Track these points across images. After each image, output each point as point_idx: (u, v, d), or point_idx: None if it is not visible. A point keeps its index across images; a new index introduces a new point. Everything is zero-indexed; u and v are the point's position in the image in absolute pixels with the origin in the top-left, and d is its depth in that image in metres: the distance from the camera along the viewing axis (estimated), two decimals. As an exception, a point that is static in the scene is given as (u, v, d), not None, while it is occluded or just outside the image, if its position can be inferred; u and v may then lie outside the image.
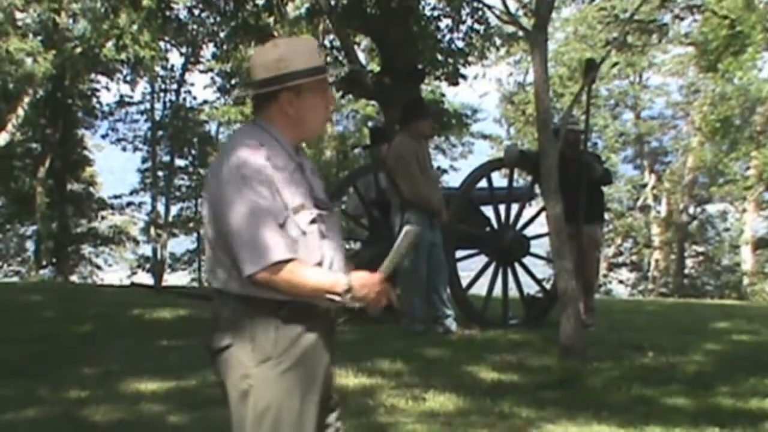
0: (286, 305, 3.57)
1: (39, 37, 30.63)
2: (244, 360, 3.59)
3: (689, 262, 39.72)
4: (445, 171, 36.59)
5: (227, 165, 3.57)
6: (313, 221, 3.61)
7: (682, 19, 23.09)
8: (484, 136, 39.17)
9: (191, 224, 38.39)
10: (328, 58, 20.82)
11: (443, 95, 32.25)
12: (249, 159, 3.53)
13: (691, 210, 39.31)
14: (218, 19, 19.12)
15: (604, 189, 11.84)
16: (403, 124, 10.69)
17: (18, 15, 29.85)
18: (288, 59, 3.65)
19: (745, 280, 34.36)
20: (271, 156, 3.57)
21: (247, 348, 3.58)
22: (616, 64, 34.41)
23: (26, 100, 30.97)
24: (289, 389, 3.59)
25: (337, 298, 3.61)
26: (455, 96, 34.43)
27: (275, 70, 3.64)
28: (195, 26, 22.01)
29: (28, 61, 29.50)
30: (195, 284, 35.56)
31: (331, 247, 3.72)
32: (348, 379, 8.07)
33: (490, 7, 11.72)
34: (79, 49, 31.71)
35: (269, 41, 3.83)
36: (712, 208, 39.80)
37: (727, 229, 39.67)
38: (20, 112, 30.70)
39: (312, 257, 3.61)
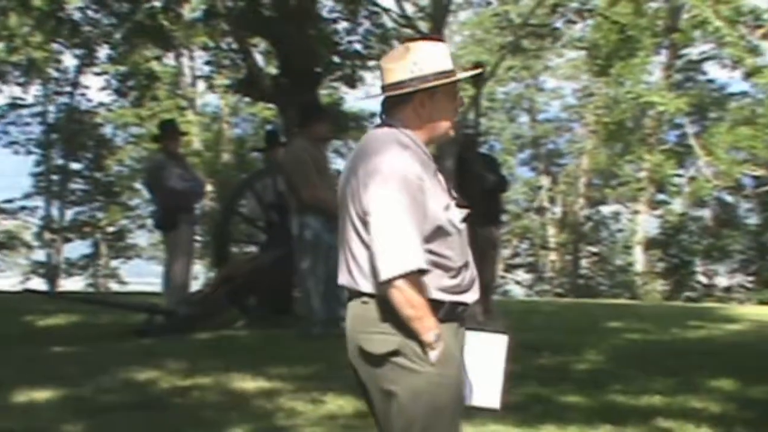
0: (443, 305, 3.70)
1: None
2: (417, 361, 3.63)
3: (584, 263, 40.35)
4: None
5: (380, 168, 3.62)
6: (463, 219, 3.72)
7: (574, 23, 23.38)
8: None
9: (87, 229, 37.86)
10: (225, 61, 20.74)
11: (341, 98, 32.28)
12: (401, 162, 3.62)
13: (585, 211, 39.92)
14: (113, 20, 18.90)
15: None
16: (300, 127, 10.65)
17: None
18: (422, 61, 3.74)
19: (638, 280, 34.98)
20: (415, 158, 3.66)
21: (417, 350, 3.63)
22: (511, 68, 34.79)
23: None
24: (450, 386, 3.71)
25: (422, 339, 3.63)
26: (357, 100, 34.51)
27: (410, 73, 3.72)
28: (89, 28, 21.69)
29: None
30: (91, 289, 35.10)
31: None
32: (247, 382, 8.05)
33: (386, 10, 11.78)
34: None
35: (402, 45, 3.92)
36: (606, 210, 40.49)
37: (620, 230, 40.39)
38: None
39: (464, 255, 3.74)
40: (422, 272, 3.55)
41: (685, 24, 28.93)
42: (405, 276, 3.52)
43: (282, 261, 11.15)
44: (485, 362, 3.93)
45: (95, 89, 35.55)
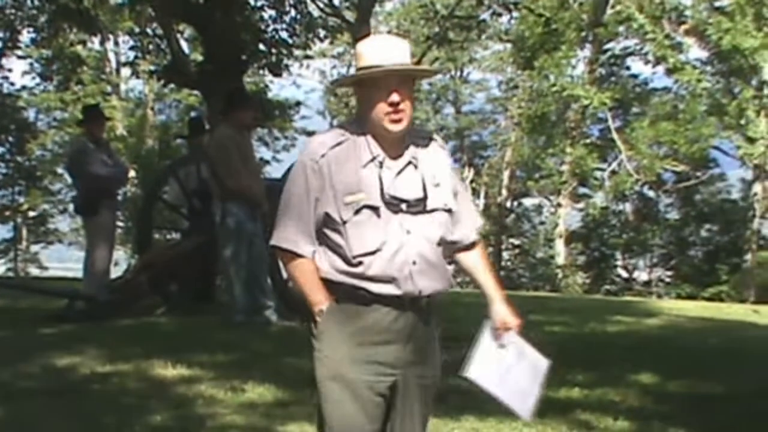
0: (341, 286, 3.86)
1: None
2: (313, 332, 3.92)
3: (506, 255, 40.64)
4: (267, 162, 36.53)
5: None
6: (357, 212, 3.76)
7: (500, 15, 23.54)
8: (308, 133, 39.19)
9: (7, 213, 37.36)
10: (150, 47, 20.59)
11: (267, 86, 32.18)
12: (310, 146, 3.90)
13: (508, 203, 40.20)
14: (37, 3, 18.69)
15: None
16: (224, 114, 10.62)
17: None
18: (359, 55, 3.85)
19: (559, 273, 35.30)
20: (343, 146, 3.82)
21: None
22: (436, 59, 34.90)
23: None
24: (322, 364, 3.93)
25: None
26: (281, 89, 34.40)
27: (355, 65, 3.92)
28: (13, 10, 21.43)
29: None
30: (11, 274, 34.67)
31: (398, 241, 3.83)
32: (167, 370, 8.04)
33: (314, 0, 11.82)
34: None
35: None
36: (528, 202, 40.80)
37: (542, 223, 40.73)
38: None
39: (365, 245, 3.78)
40: (296, 254, 3.83)
41: (609, 19, 29.20)
42: (283, 250, 3.85)
43: (204, 248, 11.15)
44: (526, 372, 4.19)
45: (18, 73, 35.12)
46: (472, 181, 39.91)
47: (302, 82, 34.89)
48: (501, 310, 4.16)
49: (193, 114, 29.51)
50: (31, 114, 37.81)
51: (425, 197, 3.83)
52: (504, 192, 39.66)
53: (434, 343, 4.03)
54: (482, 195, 40.33)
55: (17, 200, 37.82)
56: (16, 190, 37.72)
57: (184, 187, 11.72)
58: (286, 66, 19.41)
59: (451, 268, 4.08)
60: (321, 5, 11.29)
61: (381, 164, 3.81)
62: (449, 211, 3.89)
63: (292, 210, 3.84)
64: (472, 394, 7.67)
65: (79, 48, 28.68)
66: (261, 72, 23.40)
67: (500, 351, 4.16)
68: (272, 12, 19.02)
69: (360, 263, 3.77)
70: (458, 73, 39.95)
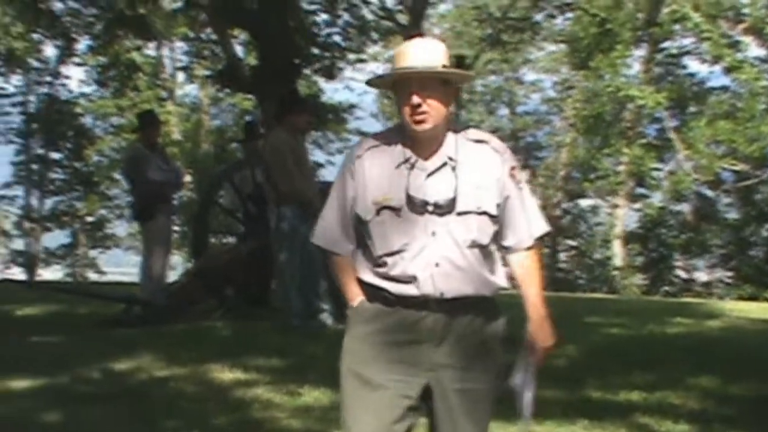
0: (367, 286, 3.94)
1: None
2: None
3: (562, 256, 40.40)
4: (321, 165, 36.60)
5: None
6: (378, 212, 3.84)
7: (554, 17, 23.46)
8: (361, 133, 39.17)
9: (66, 218, 37.78)
10: (204, 52, 20.72)
11: (320, 90, 32.26)
12: (352, 148, 4.07)
13: (564, 205, 39.97)
14: (93, 11, 18.86)
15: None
16: (279, 118, 10.63)
17: None
18: (394, 58, 3.93)
19: (616, 274, 35.02)
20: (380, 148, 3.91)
21: None
22: (490, 60, 34.80)
23: None
24: (344, 353, 4.02)
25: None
26: (334, 92, 34.49)
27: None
28: (70, 18, 21.62)
29: None
30: (69, 279, 35.01)
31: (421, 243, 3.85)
32: (223, 374, 8.07)
33: (366, 3, 11.79)
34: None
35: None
36: (584, 203, 40.52)
37: (598, 224, 40.43)
38: None
39: (389, 245, 3.83)
40: (334, 252, 3.99)
41: (664, 18, 28.92)
42: (322, 249, 4.07)
43: (259, 252, 11.17)
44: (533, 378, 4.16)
45: (76, 79, 35.55)
46: (528, 182, 39.67)
47: (356, 84, 34.85)
48: (533, 332, 4.17)
49: (248, 118, 29.62)
50: (88, 120, 38.21)
51: (455, 199, 3.81)
52: (559, 193, 39.42)
53: (484, 348, 3.99)
54: (538, 196, 40.10)
55: (75, 206, 38.20)
56: (74, 196, 38.10)
57: (240, 192, 11.76)
58: (340, 69, 19.45)
59: (497, 272, 4.04)
60: (374, 9, 11.28)
61: (412, 166, 3.83)
62: (486, 214, 3.85)
63: (331, 209, 3.99)
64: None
65: (134, 54, 28.95)
66: (314, 76, 23.50)
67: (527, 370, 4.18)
68: (326, 16, 19.08)
69: (384, 263, 3.82)
70: (513, 75, 39.78)
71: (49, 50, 35.03)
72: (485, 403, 4.06)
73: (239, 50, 21.23)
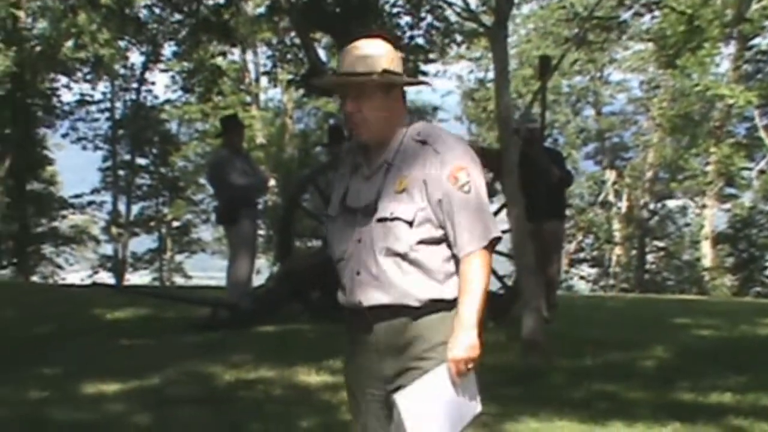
0: None
1: (-3, 37, 30.31)
2: None
3: (650, 258, 39.89)
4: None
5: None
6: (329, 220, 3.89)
7: (641, 15, 23.13)
8: (446, 133, 38.97)
9: (152, 223, 38.23)
10: (288, 56, 20.81)
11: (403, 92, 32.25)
12: None
13: (651, 205, 39.49)
14: (178, 17, 19.06)
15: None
16: None
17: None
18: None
19: (706, 275, 34.55)
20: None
21: None
22: (576, 61, 34.50)
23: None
24: None
25: None
26: (417, 94, 34.44)
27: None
28: (155, 25, 21.91)
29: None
30: (157, 283, 35.42)
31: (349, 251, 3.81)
32: (310, 376, 8.08)
33: (450, 4, 11.71)
34: (38, 48, 31.44)
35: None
36: (672, 204, 40.00)
37: (687, 225, 39.87)
38: (-21, 111, 30.32)
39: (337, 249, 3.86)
40: None
41: (754, 14, 28.44)
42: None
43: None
44: (449, 413, 3.71)
45: (161, 85, 35.95)
46: (614, 183, 39.34)
47: (439, 84, 34.73)
48: (450, 341, 3.70)
49: (332, 122, 29.75)
50: (173, 126, 38.63)
51: (375, 204, 3.68)
52: (646, 194, 38.92)
53: (414, 360, 3.72)
54: (624, 197, 39.69)
55: (161, 211, 38.63)
56: (161, 201, 38.54)
57: (324, 195, 11.75)
58: (423, 72, 19.41)
59: (431, 281, 3.69)
60: (458, 9, 11.18)
61: (356, 171, 3.79)
62: (399, 220, 3.63)
63: None
64: (619, 399, 7.55)
65: (219, 59, 29.18)
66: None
67: (435, 382, 3.71)
68: (409, 18, 19.07)
69: (338, 271, 3.84)
70: (598, 74, 39.35)
71: (135, 57, 35.57)
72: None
73: (322, 54, 21.31)
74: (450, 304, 3.68)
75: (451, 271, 3.70)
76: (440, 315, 3.69)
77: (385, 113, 3.71)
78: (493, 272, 11.77)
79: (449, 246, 3.69)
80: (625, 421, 6.82)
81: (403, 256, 3.65)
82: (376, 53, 3.71)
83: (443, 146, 3.68)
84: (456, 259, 3.68)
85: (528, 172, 9.87)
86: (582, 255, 40.47)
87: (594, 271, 40.08)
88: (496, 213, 11.55)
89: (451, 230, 3.65)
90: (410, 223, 3.63)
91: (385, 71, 3.68)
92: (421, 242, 3.65)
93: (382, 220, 3.65)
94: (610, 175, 39.51)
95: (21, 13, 30.46)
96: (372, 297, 3.69)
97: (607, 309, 14.61)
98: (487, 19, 13.93)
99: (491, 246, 3.71)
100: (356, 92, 3.68)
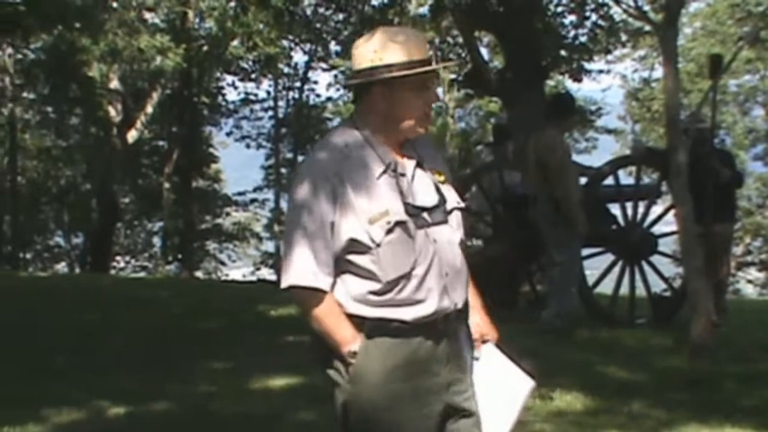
0: (366, 320, 3.41)
1: (167, 37, 31.02)
2: (340, 375, 3.56)
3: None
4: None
5: (301, 165, 3.57)
6: (389, 231, 3.34)
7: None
8: (609, 131, 38.41)
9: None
10: (451, 55, 20.82)
11: (565, 89, 31.97)
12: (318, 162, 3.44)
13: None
14: (341, 16, 19.29)
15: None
16: (554, 119, 10.28)
17: (146, 15, 30.28)
18: (383, 50, 3.40)
19: None
20: (352, 158, 3.40)
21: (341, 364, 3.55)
22: (750, 60, 33.63)
23: (155, 97, 31.38)
24: (360, 407, 3.53)
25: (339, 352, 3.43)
26: (578, 90, 34.08)
27: (369, 61, 3.41)
28: (319, 24, 22.19)
29: (158, 58, 29.77)
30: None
31: (429, 255, 3.42)
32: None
33: (618, 2, 11.54)
34: (205, 47, 32.13)
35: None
36: None
37: None
38: (149, 109, 31.09)
39: (399, 267, 3.36)
40: (318, 289, 3.36)
41: None
42: (301, 288, 3.39)
43: (509, 255, 11.13)
44: (503, 395, 3.71)
45: (323, 84, 36.40)
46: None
47: (601, 79, 34.23)
48: (477, 321, 3.69)
49: (495, 121, 29.66)
50: (335, 124, 38.98)
51: (443, 199, 3.50)
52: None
53: (468, 358, 3.63)
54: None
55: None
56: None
57: (488, 194, 11.70)
58: (587, 71, 19.21)
59: None
60: (625, 8, 11.00)
61: (395, 170, 3.42)
62: (456, 209, 3.52)
63: (303, 240, 3.36)
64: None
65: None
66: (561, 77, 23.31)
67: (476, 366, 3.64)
68: (573, 17, 18.89)
69: (390, 289, 3.35)
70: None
71: (298, 56, 36.05)
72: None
73: (485, 53, 21.28)
74: None
75: None
76: None
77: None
78: (660, 274, 11.66)
79: None
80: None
81: (462, 244, 3.57)
82: (359, 50, 3.49)
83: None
84: None
85: (697, 173, 9.65)
86: (749, 258, 39.43)
87: (762, 275, 39.04)
88: (662, 214, 11.39)
89: None
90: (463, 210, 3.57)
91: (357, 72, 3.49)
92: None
93: (450, 212, 3.51)
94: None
95: (189, 12, 31.17)
96: (462, 295, 3.54)
97: (750, 311, 14.18)
98: (655, 18, 13.70)
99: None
100: (433, 82, 3.50)
